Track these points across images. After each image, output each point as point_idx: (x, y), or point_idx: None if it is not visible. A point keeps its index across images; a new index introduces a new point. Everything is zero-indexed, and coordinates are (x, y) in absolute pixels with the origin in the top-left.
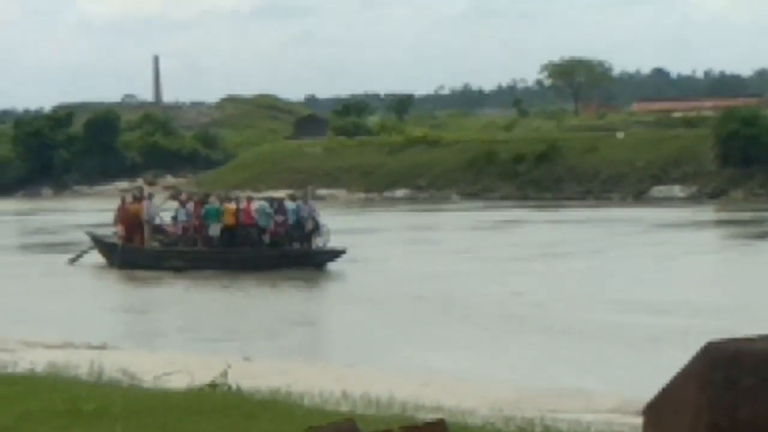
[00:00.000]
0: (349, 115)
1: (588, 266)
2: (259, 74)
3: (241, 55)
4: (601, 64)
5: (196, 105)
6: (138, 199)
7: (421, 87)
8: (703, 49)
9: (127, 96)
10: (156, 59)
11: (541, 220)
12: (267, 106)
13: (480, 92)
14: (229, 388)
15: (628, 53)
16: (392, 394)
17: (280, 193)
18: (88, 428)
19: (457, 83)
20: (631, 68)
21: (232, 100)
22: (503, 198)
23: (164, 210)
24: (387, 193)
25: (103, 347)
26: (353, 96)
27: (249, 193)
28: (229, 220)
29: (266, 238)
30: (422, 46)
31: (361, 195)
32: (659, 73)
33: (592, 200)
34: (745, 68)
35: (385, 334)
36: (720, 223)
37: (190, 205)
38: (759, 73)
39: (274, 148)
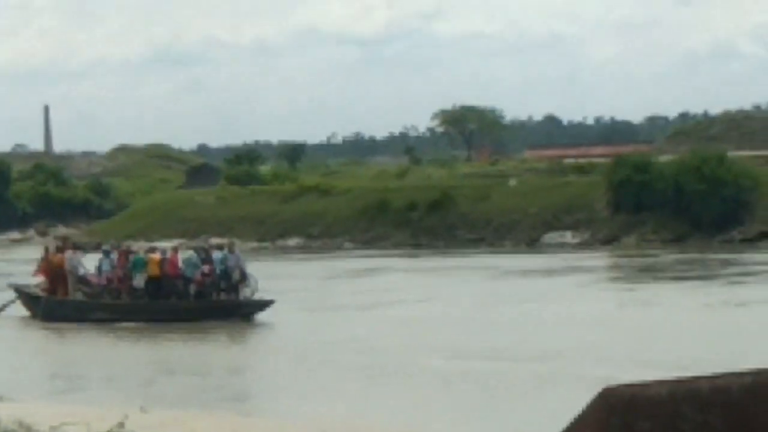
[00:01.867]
0: (241, 164)
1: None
2: (151, 124)
3: (132, 105)
4: (492, 111)
5: (87, 155)
6: (61, 249)
7: (313, 135)
8: (594, 96)
9: (17, 145)
10: (46, 109)
11: (405, 267)
12: (159, 155)
13: (372, 140)
14: None
15: (520, 100)
16: None
17: (173, 243)
18: None
19: (348, 131)
20: (522, 115)
21: (123, 150)
22: (396, 246)
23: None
24: (280, 242)
25: None
26: (245, 144)
27: (141, 242)
28: (154, 270)
29: (192, 288)
30: (314, 95)
31: (254, 244)
32: (550, 120)
33: (485, 247)
34: (635, 115)
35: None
36: (592, 268)
37: (115, 255)
38: (649, 120)
39: (166, 198)
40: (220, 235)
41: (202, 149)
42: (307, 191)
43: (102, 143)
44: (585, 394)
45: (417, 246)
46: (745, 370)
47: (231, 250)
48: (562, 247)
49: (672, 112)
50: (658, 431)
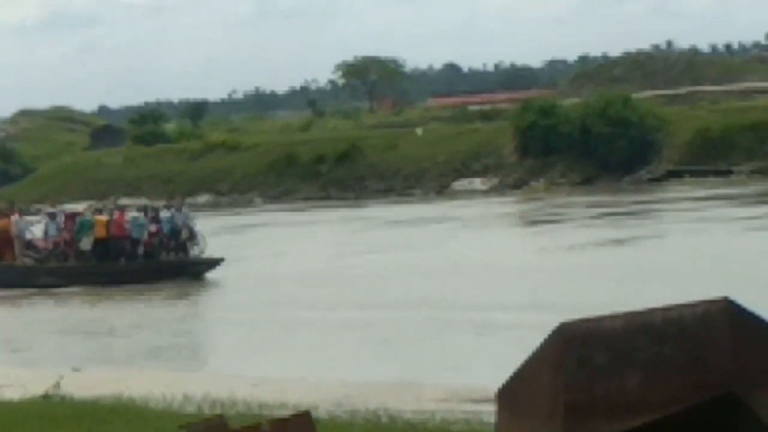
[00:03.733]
0: (145, 124)
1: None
2: (50, 87)
3: (30, 69)
4: (393, 61)
5: None
6: (6, 214)
7: (213, 93)
8: (493, 42)
9: None
10: None
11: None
12: (62, 118)
13: (273, 95)
14: (63, 398)
15: (420, 50)
16: (231, 396)
17: (83, 205)
18: None
19: (249, 87)
20: (423, 64)
21: (25, 114)
22: (306, 199)
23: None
24: (189, 200)
25: None
26: (146, 104)
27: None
28: (101, 232)
29: (140, 249)
30: (212, 51)
31: (163, 203)
32: (451, 68)
33: (395, 197)
34: (535, 60)
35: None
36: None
37: (61, 218)
38: (549, 64)
39: (73, 160)
40: (129, 195)
41: (103, 111)
42: (214, 148)
43: (2, 108)
44: (473, 338)
45: (327, 198)
46: (697, 301)
47: (179, 209)
48: (471, 193)
49: (571, 55)
50: (615, 363)
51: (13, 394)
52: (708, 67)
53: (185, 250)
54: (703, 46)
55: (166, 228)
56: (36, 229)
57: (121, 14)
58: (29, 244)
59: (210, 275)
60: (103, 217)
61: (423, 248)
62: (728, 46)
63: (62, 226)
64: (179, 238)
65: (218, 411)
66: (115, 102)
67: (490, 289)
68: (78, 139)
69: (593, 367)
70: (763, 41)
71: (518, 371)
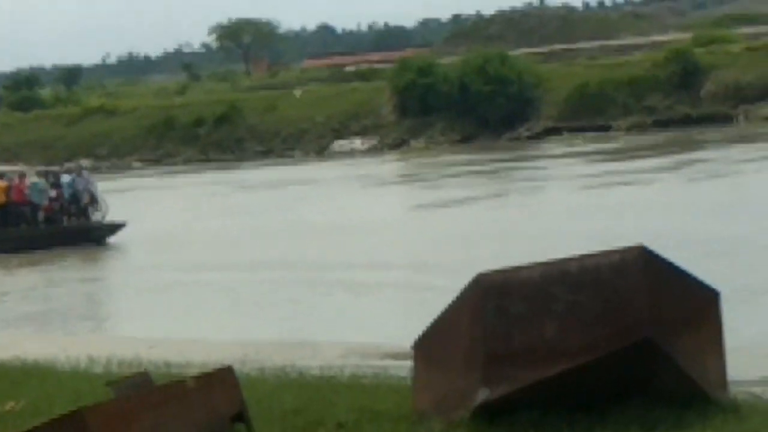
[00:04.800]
0: (20, 90)
1: None
2: None
3: None
4: (267, 23)
5: None
6: None
7: (86, 57)
8: (366, 2)
9: None
10: None
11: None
12: None
13: (146, 59)
14: None
15: (293, 11)
16: (135, 356)
17: None
18: None
19: (122, 51)
20: (296, 26)
21: None
22: (186, 162)
23: None
24: (68, 165)
25: None
26: (19, 70)
27: None
28: (0, 198)
29: (41, 215)
30: (83, 16)
31: (42, 168)
32: (325, 29)
33: (275, 158)
34: (408, 20)
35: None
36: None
37: None
38: (422, 24)
39: None
40: (7, 161)
41: None
42: (91, 113)
43: None
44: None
45: (206, 161)
46: (612, 249)
47: (79, 174)
48: (351, 154)
49: (445, 14)
50: (532, 313)
51: None
52: (582, 23)
53: (87, 215)
54: (577, 3)
55: (67, 193)
56: None
57: None
58: None
59: (112, 240)
60: (2, 183)
61: (287, 210)
62: (601, 3)
63: None
64: (80, 203)
65: (126, 371)
66: None
67: (346, 248)
68: None
69: (511, 316)
70: None
71: (435, 322)
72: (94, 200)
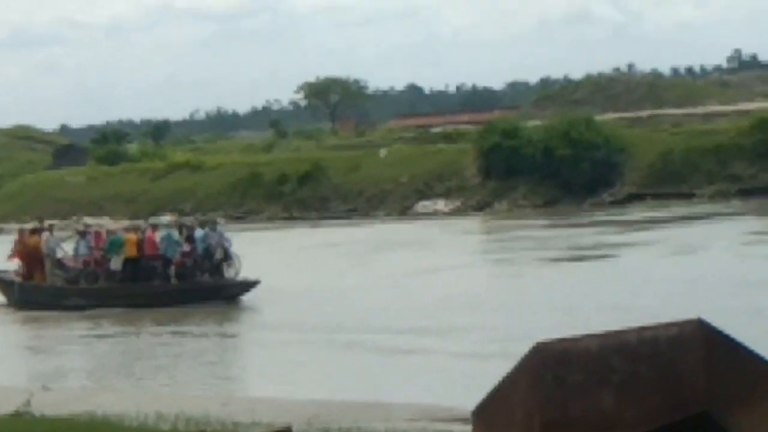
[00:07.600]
0: (108, 143)
1: None
2: (11, 106)
3: None
4: (356, 82)
5: None
6: (37, 231)
7: (175, 112)
8: (454, 64)
9: None
10: None
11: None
12: (24, 136)
13: (235, 115)
14: (33, 416)
15: (382, 71)
16: (204, 413)
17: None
18: None
19: (210, 107)
20: (384, 85)
21: None
22: (269, 219)
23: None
24: (153, 219)
25: None
26: (108, 123)
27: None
28: (132, 251)
29: (172, 270)
30: (173, 71)
31: (126, 222)
32: (413, 89)
33: (358, 218)
34: (496, 81)
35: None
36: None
37: (90, 237)
38: (510, 86)
39: (36, 179)
40: (93, 214)
41: (65, 130)
42: (177, 168)
43: None
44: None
45: (290, 219)
46: (671, 322)
47: (213, 228)
48: (434, 214)
49: (533, 77)
50: (590, 383)
51: None
52: (669, 90)
53: (220, 271)
54: (665, 69)
55: (200, 248)
56: (67, 247)
57: (81, 34)
58: (59, 263)
59: (245, 298)
60: (134, 236)
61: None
62: (689, 69)
63: (92, 244)
64: (214, 259)
65: (192, 428)
66: (76, 121)
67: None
68: (39, 158)
69: (568, 386)
70: (723, 65)
71: (494, 390)
72: (227, 256)
